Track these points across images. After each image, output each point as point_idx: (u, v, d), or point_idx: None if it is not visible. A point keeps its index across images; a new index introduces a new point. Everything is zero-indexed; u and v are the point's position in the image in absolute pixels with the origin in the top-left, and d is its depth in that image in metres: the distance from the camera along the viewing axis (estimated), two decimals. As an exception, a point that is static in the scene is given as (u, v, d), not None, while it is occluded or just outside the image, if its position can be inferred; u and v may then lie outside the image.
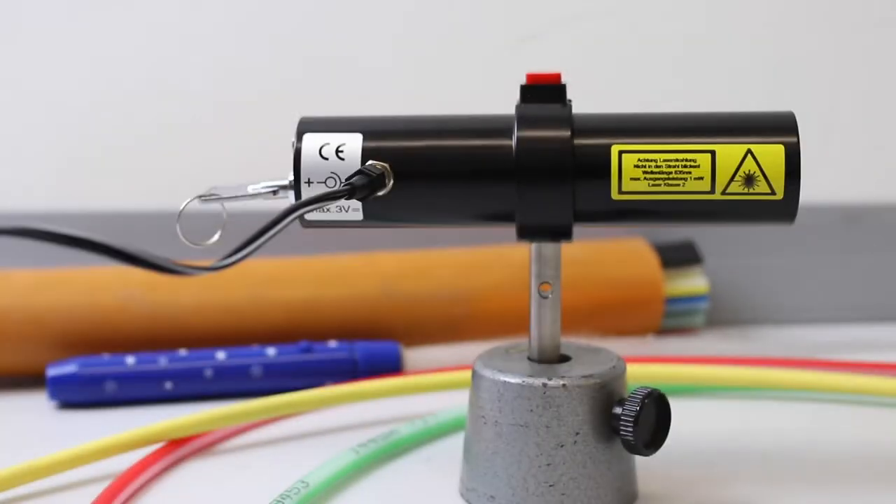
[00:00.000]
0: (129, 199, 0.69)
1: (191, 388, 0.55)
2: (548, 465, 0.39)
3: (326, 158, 0.39)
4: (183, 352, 0.56)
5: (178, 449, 0.47)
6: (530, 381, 0.39)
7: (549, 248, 0.41)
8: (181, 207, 0.39)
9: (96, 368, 0.54)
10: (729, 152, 0.38)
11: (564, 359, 0.41)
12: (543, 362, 0.41)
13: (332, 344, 0.57)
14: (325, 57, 0.71)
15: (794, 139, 0.38)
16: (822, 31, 0.73)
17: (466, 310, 0.59)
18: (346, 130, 0.40)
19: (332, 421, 0.52)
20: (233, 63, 0.71)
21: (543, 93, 0.39)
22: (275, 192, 0.40)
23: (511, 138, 0.39)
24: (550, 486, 0.39)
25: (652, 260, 0.65)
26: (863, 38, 0.73)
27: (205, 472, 0.46)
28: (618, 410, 0.39)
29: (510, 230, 0.40)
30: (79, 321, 0.58)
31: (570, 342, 0.43)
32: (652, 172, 0.38)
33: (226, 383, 0.55)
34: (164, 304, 0.59)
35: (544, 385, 0.39)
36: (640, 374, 0.55)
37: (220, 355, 0.56)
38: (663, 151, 0.38)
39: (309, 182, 0.39)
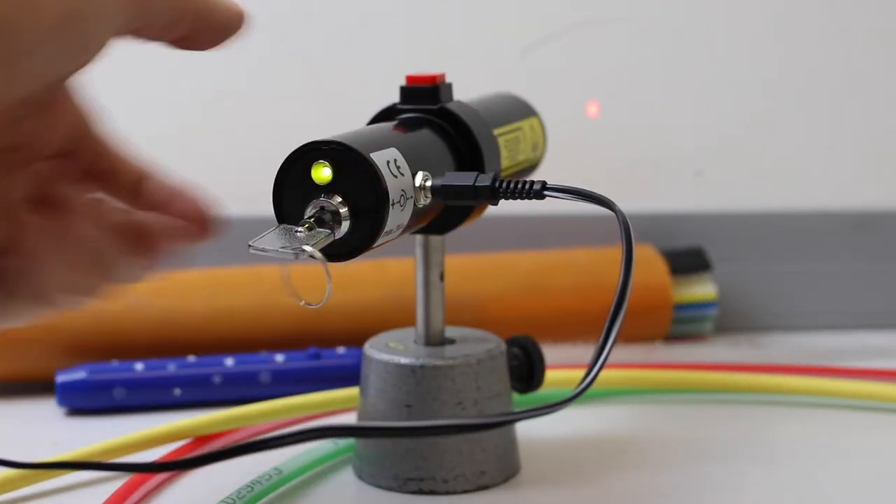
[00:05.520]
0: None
1: (199, 395, 0.55)
2: None
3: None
4: (191, 358, 0.56)
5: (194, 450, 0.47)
6: (417, 361, 0.43)
7: (436, 239, 0.44)
8: (285, 272, 0.37)
9: (105, 375, 0.55)
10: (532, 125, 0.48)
11: (449, 342, 0.45)
12: (430, 345, 0.45)
13: (341, 350, 0.57)
14: (323, 64, 0.72)
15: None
16: (831, 39, 0.73)
17: (474, 316, 0.59)
18: None
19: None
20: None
21: (420, 94, 0.42)
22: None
23: None
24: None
25: (660, 266, 0.65)
26: (871, 45, 0.73)
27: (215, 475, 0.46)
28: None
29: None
30: (88, 328, 0.58)
31: (455, 328, 0.47)
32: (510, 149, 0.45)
33: (234, 389, 0.55)
34: (172, 311, 0.59)
35: (427, 366, 0.43)
36: (648, 381, 0.55)
37: (229, 362, 0.56)
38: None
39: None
